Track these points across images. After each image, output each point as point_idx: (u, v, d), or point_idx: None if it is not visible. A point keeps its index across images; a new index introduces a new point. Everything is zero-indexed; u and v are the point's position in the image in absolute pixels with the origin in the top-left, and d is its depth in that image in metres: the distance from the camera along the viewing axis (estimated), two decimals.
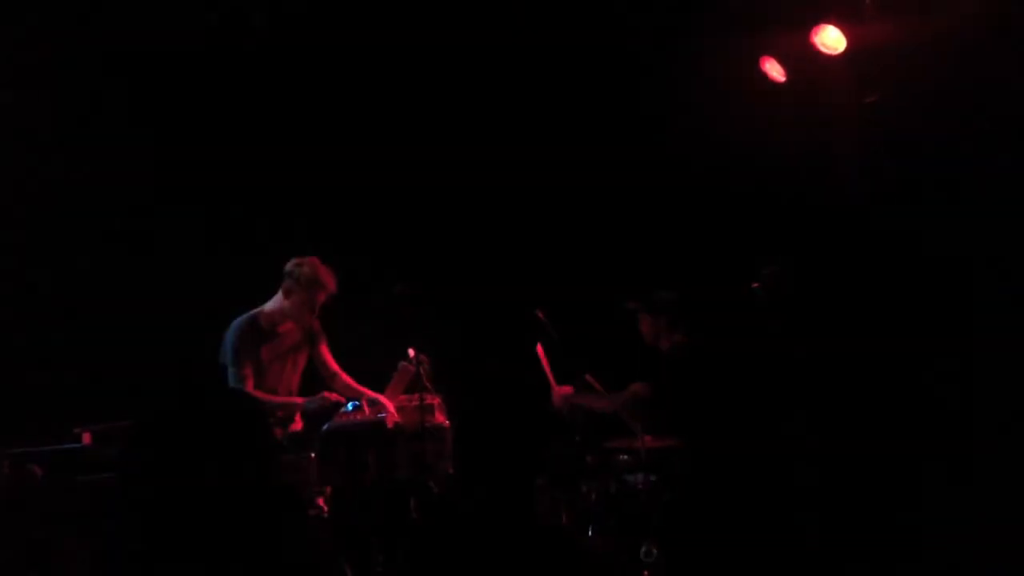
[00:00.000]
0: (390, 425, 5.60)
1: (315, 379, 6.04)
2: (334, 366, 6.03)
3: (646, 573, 5.50)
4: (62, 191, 6.50)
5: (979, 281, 5.92)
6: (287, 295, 5.81)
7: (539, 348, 6.16)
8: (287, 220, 6.65)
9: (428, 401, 5.64)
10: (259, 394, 5.66)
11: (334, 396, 5.76)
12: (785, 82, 6.37)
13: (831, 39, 6.04)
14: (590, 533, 5.78)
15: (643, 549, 5.59)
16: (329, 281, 5.79)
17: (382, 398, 5.80)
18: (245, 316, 5.81)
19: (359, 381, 5.98)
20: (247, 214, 6.82)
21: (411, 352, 5.72)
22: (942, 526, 5.66)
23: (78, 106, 6.50)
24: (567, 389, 6.19)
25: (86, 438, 5.26)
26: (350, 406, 5.74)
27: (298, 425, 5.80)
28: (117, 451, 5.10)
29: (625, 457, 6.02)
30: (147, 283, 6.61)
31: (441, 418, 5.71)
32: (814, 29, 6.07)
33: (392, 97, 6.99)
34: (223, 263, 6.66)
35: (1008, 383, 5.75)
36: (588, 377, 6.08)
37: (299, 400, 5.82)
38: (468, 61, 6.88)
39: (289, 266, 5.81)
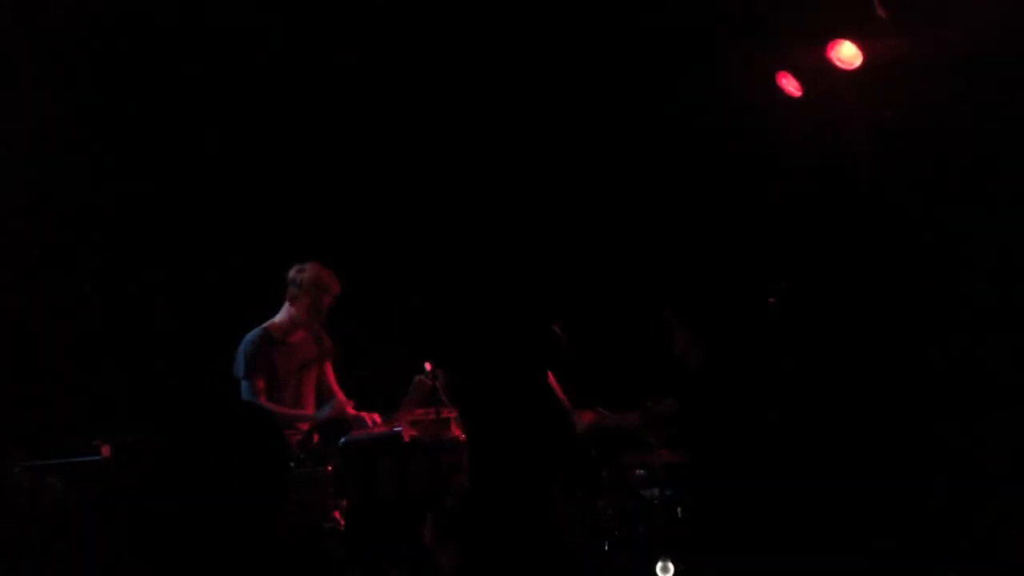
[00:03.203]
0: (406, 439, 5.61)
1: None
2: (334, 384, 6.04)
3: None
4: (77, 203, 6.54)
5: (990, 289, 5.90)
6: (292, 302, 5.83)
7: (551, 376, 6.15)
8: (302, 233, 6.67)
9: (444, 415, 5.64)
10: (272, 406, 5.69)
11: (339, 404, 5.77)
12: (801, 97, 6.39)
13: (847, 54, 6.05)
14: (606, 548, 5.77)
15: (659, 564, 5.58)
16: (332, 283, 5.82)
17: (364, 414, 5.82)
18: (256, 329, 5.83)
19: (375, 396, 5.99)
20: (262, 228, 6.85)
21: (427, 366, 5.73)
22: (951, 540, 5.64)
23: (88, 112, 6.54)
24: (588, 416, 6.15)
25: (105, 450, 5.28)
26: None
27: (315, 437, 5.80)
28: (134, 463, 5.15)
29: (641, 472, 6.01)
30: (165, 296, 6.65)
31: (457, 432, 5.69)
32: (830, 44, 6.08)
33: (408, 107, 7.02)
34: (238, 277, 6.69)
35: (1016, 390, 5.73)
36: (600, 409, 6.09)
37: (310, 412, 5.83)
38: (490, 73, 6.90)
39: (291, 273, 5.84)
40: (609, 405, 6.22)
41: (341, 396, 6.01)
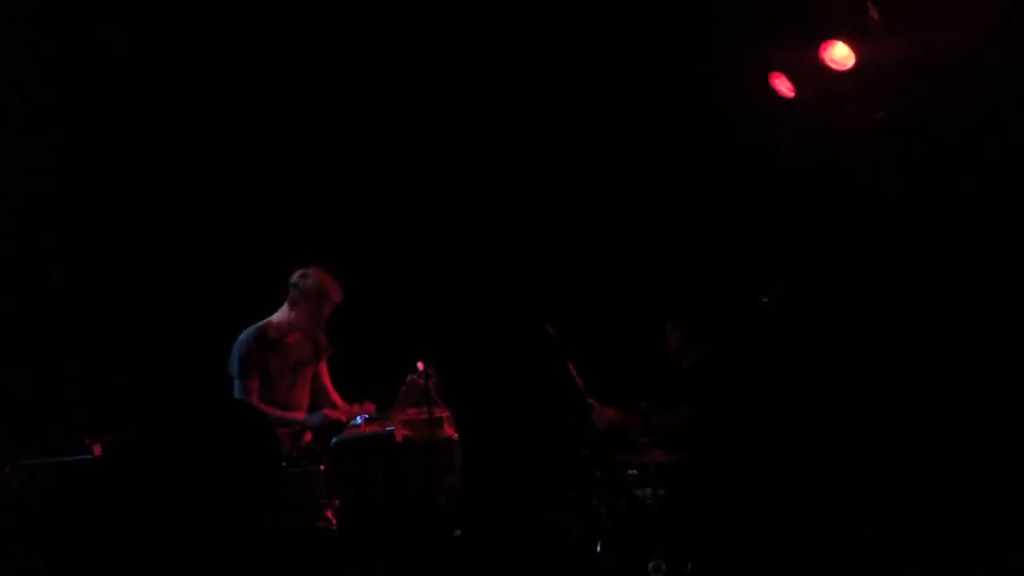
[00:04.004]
0: (399, 438, 5.60)
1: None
2: (328, 384, 6.03)
3: None
4: (70, 200, 6.54)
5: (986, 290, 5.90)
6: (293, 306, 5.80)
7: (572, 367, 6.14)
8: (295, 229, 6.66)
9: (437, 415, 5.63)
10: (263, 407, 5.67)
11: (334, 414, 5.77)
12: (794, 98, 6.40)
13: (840, 55, 6.06)
14: (599, 548, 5.76)
15: (651, 564, 5.58)
16: (335, 291, 5.78)
17: (370, 407, 5.81)
18: (253, 327, 5.81)
19: (369, 394, 5.98)
20: (255, 223, 6.84)
21: (420, 365, 5.72)
22: (948, 538, 5.64)
23: (85, 114, 6.55)
24: (609, 412, 6.16)
25: (96, 450, 5.27)
26: (358, 420, 5.74)
27: (308, 436, 5.80)
28: (125, 462, 5.14)
29: (634, 472, 6.01)
30: (157, 294, 6.65)
31: (450, 431, 5.69)
32: (823, 45, 6.08)
33: (402, 103, 7.02)
34: (232, 274, 6.68)
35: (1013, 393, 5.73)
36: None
37: (300, 415, 5.82)
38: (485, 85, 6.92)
39: (294, 277, 5.79)
40: (604, 403, 6.23)
41: (336, 397, 6.00)
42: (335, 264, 5.92)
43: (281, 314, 5.85)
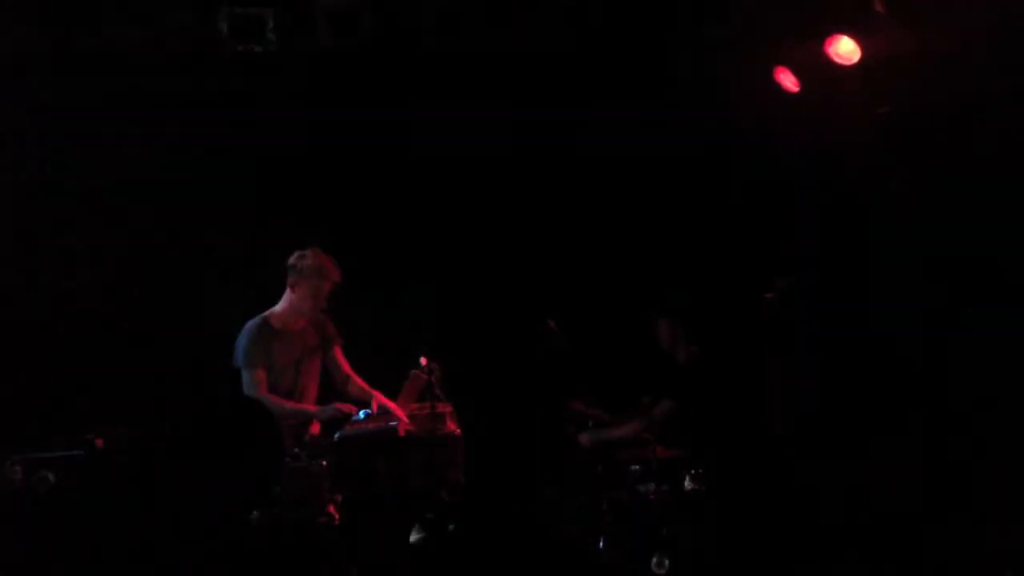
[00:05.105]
0: (401, 433, 5.59)
1: (328, 386, 6.04)
2: (347, 369, 6.03)
3: None
4: (69, 194, 6.53)
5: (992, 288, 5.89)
6: (292, 288, 5.81)
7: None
8: (300, 222, 6.66)
9: (439, 409, 5.62)
10: (273, 398, 5.67)
11: (346, 407, 5.76)
12: (799, 92, 6.38)
13: (845, 50, 6.04)
14: (601, 544, 5.77)
15: (654, 560, 5.59)
16: (333, 270, 5.79)
17: (393, 405, 5.80)
18: (257, 318, 5.83)
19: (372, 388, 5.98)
20: (260, 215, 6.84)
21: (423, 360, 5.71)
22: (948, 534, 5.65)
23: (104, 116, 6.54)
24: (578, 405, 6.22)
25: (98, 443, 5.26)
26: (362, 414, 5.73)
27: (316, 429, 5.78)
28: (127, 456, 5.14)
29: (636, 467, 6.02)
30: (162, 287, 6.65)
31: (452, 426, 5.68)
32: (828, 40, 6.06)
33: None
34: (236, 267, 6.68)
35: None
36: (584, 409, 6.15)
37: (312, 408, 5.82)
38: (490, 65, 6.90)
39: (292, 259, 5.81)
40: (604, 400, 6.24)
41: (359, 381, 5.99)
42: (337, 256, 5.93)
43: (283, 302, 5.87)
